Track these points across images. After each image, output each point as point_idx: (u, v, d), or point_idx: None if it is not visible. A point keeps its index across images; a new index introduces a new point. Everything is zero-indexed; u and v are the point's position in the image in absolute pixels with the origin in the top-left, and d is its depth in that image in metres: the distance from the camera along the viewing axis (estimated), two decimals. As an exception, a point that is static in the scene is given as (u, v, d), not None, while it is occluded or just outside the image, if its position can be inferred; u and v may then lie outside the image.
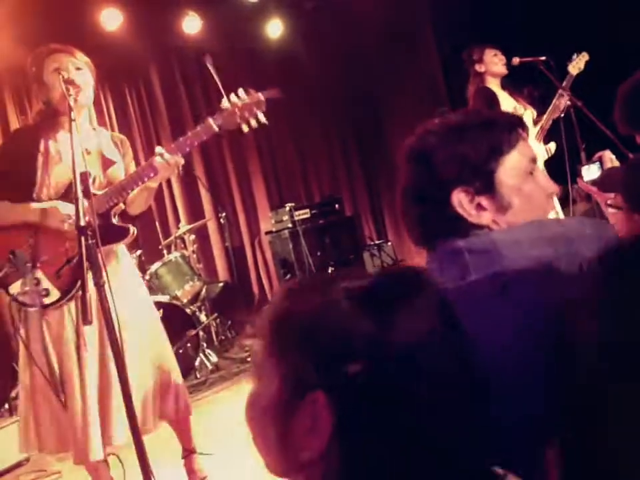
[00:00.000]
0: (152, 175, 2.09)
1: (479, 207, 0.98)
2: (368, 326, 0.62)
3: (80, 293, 1.79)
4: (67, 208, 2.08)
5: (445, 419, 0.61)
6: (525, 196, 1.01)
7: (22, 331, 2.13)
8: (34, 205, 2.12)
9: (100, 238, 2.11)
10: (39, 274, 2.05)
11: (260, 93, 2.14)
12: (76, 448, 2.05)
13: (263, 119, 2.15)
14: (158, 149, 2.10)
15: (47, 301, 2.06)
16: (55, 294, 2.07)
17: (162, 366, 2.24)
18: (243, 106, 2.11)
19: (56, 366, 2.10)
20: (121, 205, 2.24)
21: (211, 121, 2.09)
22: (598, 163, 1.88)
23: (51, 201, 2.13)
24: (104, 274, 1.68)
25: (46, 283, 2.07)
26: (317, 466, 0.63)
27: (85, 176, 2.14)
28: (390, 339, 0.62)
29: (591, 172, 1.87)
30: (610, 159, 1.91)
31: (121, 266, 2.25)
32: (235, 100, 2.10)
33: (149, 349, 2.22)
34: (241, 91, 2.13)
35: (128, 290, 2.22)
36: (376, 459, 0.61)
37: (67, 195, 2.11)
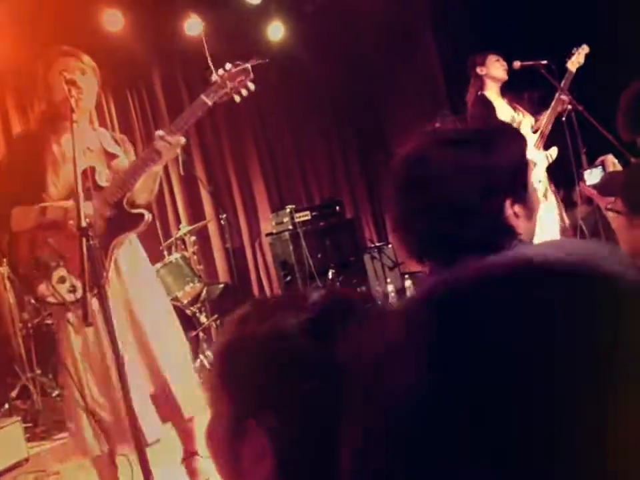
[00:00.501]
0: (156, 158, 2.14)
1: (515, 215, 1.00)
2: (312, 352, 0.64)
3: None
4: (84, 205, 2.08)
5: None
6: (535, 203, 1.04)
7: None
8: (51, 205, 2.15)
9: (115, 227, 2.16)
10: (63, 272, 2.07)
11: (247, 63, 2.26)
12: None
13: (252, 86, 2.26)
14: (158, 132, 2.16)
15: (73, 297, 2.07)
16: (81, 289, 2.07)
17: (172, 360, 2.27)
18: (231, 76, 2.21)
19: (82, 367, 2.11)
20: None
21: (203, 96, 2.18)
22: (600, 167, 1.89)
23: (65, 200, 2.16)
24: (104, 274, 1.69)
25: (71, 280, 2.09)
26: None
27: (91, 171, 2.18)
28: (335, 362, 0.62)
29: (593, 176, 1.87)
30: (612, 162, 1.91)
31: (139, 256, 2.29)
32: (223, 72, 2.20)
33: (169, 341, 2.26)
34: (227, 64, 2.23)
35: (142, 282, 2.26)
36: None
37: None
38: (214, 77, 2.21)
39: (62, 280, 2.05)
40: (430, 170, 1.01)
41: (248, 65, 2.25)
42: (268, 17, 5.85)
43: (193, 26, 5.36)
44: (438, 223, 1.00)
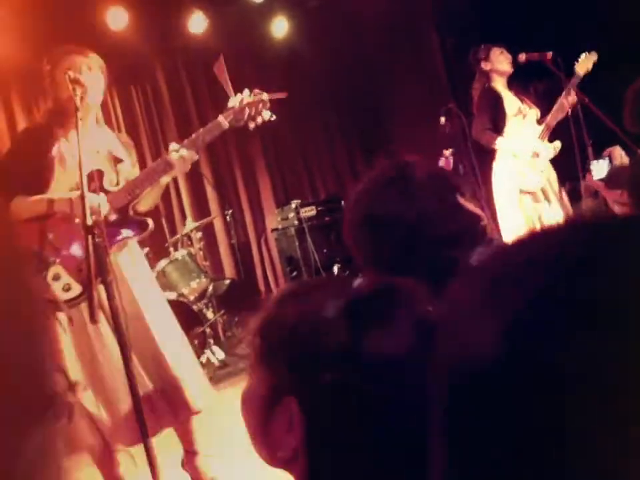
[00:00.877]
0: (167, 169, 2.16)
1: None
2: (343, 337, 0.65)
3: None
4: (91, 199, 2.05)
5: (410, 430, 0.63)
6: None
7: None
8: (58, 195, 2.15)
9: (119, 232, 2.15)
10: (59, 269, 2.05)
11: (265, 93, 2.27)
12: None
13: (267, 116, 2.28)
14: (173, 146, 2.18)
15: (67, 296, 2.05)
16: (77, 288, 2.06)
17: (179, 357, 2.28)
18: (249, 104, 2.22)
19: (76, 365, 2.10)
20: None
21: (221, 118, 2.20)
22: (607, 158, 1.88)
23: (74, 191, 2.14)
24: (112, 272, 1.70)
25: (66, 278, 2.06)
26: (294, 464, 0.67)
27: (99, 174, 2.18)
28: (361, 352, 0.64)
29: (600, 168, 1.86)
30: (620, 155, 1.90)
31: (136, 261, 2.29)
32: (242, 99, 2.22)
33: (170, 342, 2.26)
34: (246, 91, 2.24)
35: (145, 284, 2.27)
36: (343, 466, 0.65)
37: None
38: (232, 102, 2.23)
39: (57, 277, 2.03)
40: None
41: (266, 96, 2.27)
42: (272, 14, 5.84)
43: (197, 22, 5.36)
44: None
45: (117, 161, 2.30)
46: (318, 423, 0.65)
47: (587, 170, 1.95)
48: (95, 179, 2.14)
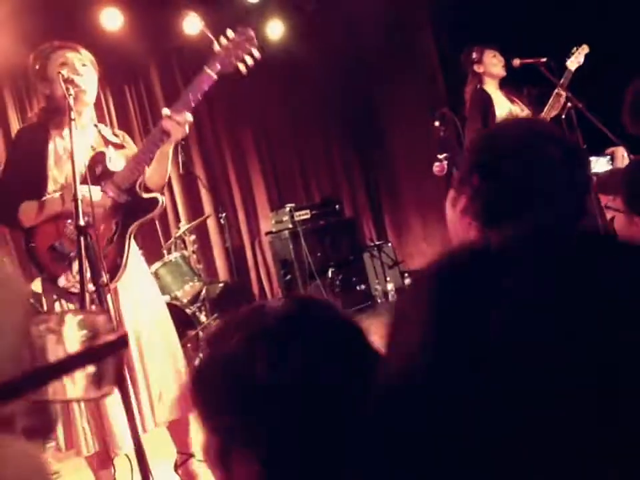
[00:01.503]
0: (164, 138, 2.08)
1: None
2: (262, 369, 0.63)
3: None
4: (93, 191, 2.01)
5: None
6: None
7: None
8: (56, 196, 2.12)
9: (131, 213, 2.12)
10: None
11: (250, 29, 2.13)
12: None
13: (257, 54, 2.12)
14: (164, 111, 2.09)
15: (93, 287, 2.03)
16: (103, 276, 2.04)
17: (175, 363, 2.26)
18: (234, 45, 2.09)
19: None
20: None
21: (206, 68, 2.08)
22: (609, 157, 1.86)
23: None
24: (104, 274, 1.68)
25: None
26: None
27: (101, 156, 2.15)
28: (283, 377, 0.62)
29: (599, 164, 1.85)
30: (622, 155, 1.89)
31: (134, 262, 2.26)
32: (225, 41, 2.09)
33: (165, 344, 2.24)
34: (229, 31, 2.11)
35: (142, 286, 2.25)
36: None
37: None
38: (215, 47, 2.10)
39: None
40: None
41: (250, 30, 2.12)
42: (267, 15, 5.84)
43: (191, 23, 5.35)
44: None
45: (118, 146, 2.28)
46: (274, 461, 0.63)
47: None
48: (100, 161, 2.12)
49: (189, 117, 2.08)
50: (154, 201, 2.18)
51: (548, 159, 0.98)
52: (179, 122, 2.06)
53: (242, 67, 2.11)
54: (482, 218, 1.03)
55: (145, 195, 2.19)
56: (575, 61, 3.45)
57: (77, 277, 2.01)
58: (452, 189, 1.09)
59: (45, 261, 2.09)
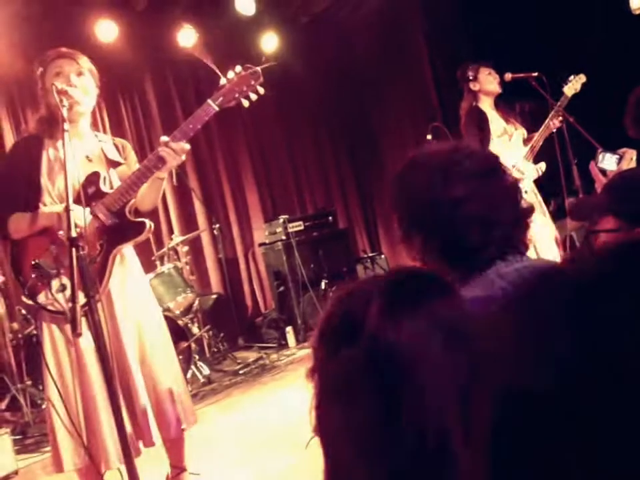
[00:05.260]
0: (160, 165, 2.10)
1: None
2: (376, 319, 0.65)
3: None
4: (78, 212, 2.00)
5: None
6: None
7: (45, 345, 2.10)
8: (47, 210, 2.12)
9: (117, 236, 2.11)
10: (64, 279, 2.00)
11: (257, 68, 2.19)
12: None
13: (261, 90, 2.18)
14: (163, 138, 2.11)
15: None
16: (83, 298, 2.04)
17: (173, 373, 2.25)
18: (240, 80, 2.15)
19: (69, 378, 2.07)
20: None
21: (210, 101, 2.12)
22: (618, 156, 1.85)
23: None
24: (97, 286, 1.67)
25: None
26: None
27: (95, 176, 2.15)
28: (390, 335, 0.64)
29: (606, 160, 1.84)
30: (631, 158, 1.89)
31: (131, 270, 2.25)
32: (232, 75, 2.14)
33: (163, 353, 2.23)
34: (238, 67, 2.17)
35: (140, 293, 2.24)
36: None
37: (75, 200, 2.11)
38: (222, 81, 2.14)
39: (62, 288, 1.98)
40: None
41: (258, 68, 2.17)
42: (262, 28, 5.87)
43: (187, 36, 5.38)
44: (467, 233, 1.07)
45: (115, 164, 2.27)
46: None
47: (593, 157, 1.92)
48: (94, 182, 2.11)
49: (186, 146, 2.11)
50: (142, 225, 2.18)
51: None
52: (175, 150, 2.08)
53: (245, 102, 2.18)
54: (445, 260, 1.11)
55: (133, 219, 2.19)
56: (572, 87, 3.49)
57: (57, 296, 2.01)
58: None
59: (27, 277, 2.08)
